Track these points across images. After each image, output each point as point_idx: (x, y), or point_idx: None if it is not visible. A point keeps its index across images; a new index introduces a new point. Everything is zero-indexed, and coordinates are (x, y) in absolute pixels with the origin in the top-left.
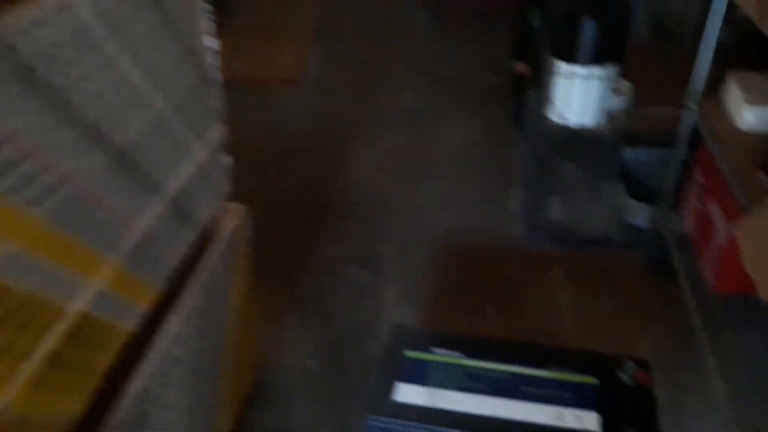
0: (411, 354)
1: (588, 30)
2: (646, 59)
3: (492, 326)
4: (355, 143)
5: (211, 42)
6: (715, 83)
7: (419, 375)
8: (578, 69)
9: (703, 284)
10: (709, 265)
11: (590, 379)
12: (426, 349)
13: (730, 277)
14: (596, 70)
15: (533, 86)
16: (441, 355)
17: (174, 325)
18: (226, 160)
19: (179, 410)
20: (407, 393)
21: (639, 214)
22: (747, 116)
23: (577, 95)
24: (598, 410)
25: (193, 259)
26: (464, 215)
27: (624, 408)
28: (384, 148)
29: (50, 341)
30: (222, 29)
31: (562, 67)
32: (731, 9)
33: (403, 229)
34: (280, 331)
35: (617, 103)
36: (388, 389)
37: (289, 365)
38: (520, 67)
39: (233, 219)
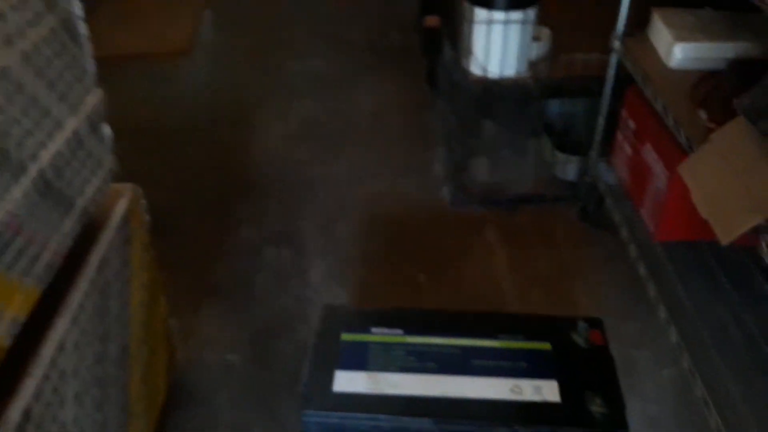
0: (347, 337)
1: None
2: (563, 3)
3: (428, 297)
4: (263, 114)
5: None
6: (639, 24)
7: (358, 359)
8: (496, 14)
9: (644, 234)
10: (648, 213)
11: (544, 345)
12: (363, 330)
13: (671, 225)
14: (515, 15)
15: (447, 40)
16: (380, 335)
17: (60, 331)
18: (107, 131)
19: (79, 429)
20: (346, 381)
21: (569, 168)
22: (677, 54)
23: (497, 44)
24: (557, 378)
25: (79, 252)
26: (387, 183)
27: (582, 372)
28: (295, 119)
29: None
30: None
31: (479, 13)
32: None
33: (323, 203)
34: (197, 325)
35: (538, 51)
36: (324, 379)
37: (210, 362)
38: (431, 20)
39: (123, 202)
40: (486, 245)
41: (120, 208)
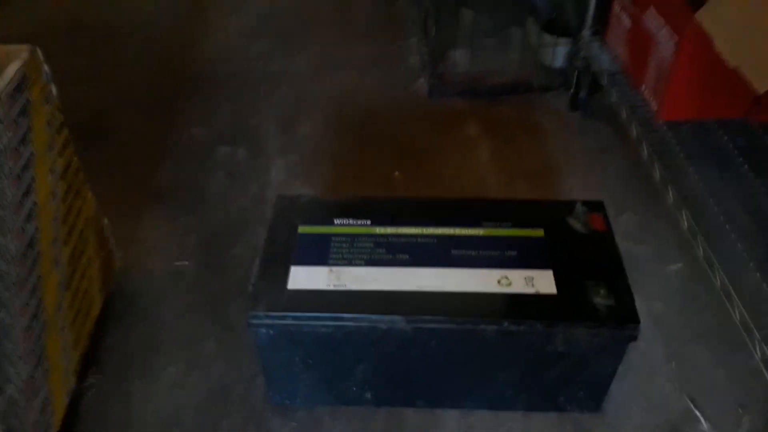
0: (306, 229)
1: None
2: None
3: (403, 194)
4: (216, 8)
5: None
6: None
7: (318, 253)
8: None
9: (646, 116)
10: (651, 91)
11: (536, 232)
12: (324, 222)
13: (678, 100)
14: None
15: None
16: (344, 227)
17: None
18: None
19: None
20: (304, 277)
21: (557, 53)
22: None
23: None
24: (552, 267)
25: None
26: (355, 77)
27: (581, 260)
28: (252, 12)
29: None
30: None
31: None
32: None
33: (284, 99)
34: (141, 231)
35: None
36: (277, 276)
37: (156, 270)
38: None
39: (17, 65)
40: (467, 139)
41: (11, 70)
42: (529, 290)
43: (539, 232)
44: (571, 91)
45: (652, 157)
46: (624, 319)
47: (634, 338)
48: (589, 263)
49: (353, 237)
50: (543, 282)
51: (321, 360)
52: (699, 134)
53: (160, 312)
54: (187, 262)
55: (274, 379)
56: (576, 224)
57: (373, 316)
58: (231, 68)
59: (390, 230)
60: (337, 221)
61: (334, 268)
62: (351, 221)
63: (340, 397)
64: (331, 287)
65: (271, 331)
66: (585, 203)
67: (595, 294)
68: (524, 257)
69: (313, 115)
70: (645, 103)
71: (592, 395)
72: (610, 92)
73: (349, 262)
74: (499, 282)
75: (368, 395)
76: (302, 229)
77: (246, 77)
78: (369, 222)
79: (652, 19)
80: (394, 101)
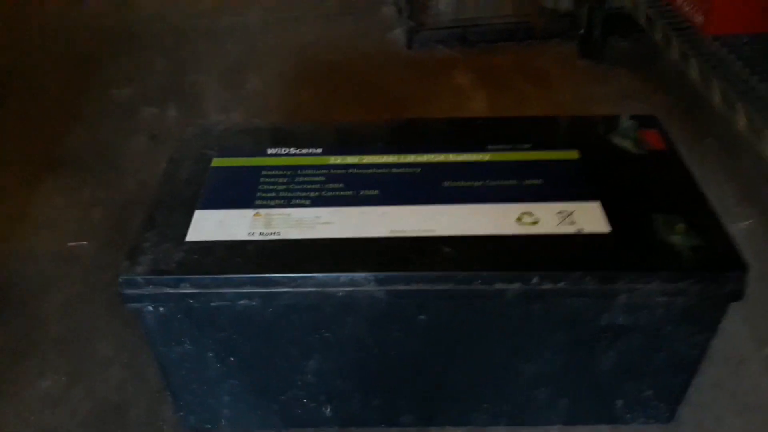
0: (222, 162)
1: None
2: None
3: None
4: None
5: None
6: None
7: (238, 192)
8: None
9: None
10: (692, 3)
11: (566, 154)
12: (252, 152)
13: (728, 9)
14: None
15: None
16: (282, 157)
17: None
18: None
19: None
20: (213, 225)
21: None
22: None
23: None
24: (597, 197)
25: None
26: (318, 29)
27: (640, 187)
28: None
29: None
30: None
31: None
32: None
33: (230, 53)
34: (35, 206)
35: None
36: (172, 225)
37: (44, 253)
38: None
39: None
40: (458, 88)
41: None
42: (566, 229)
43: (572, 154)
44: (582, 32)
45: (708, 77)
46: (722, 263)
47: (739, 296)
48: (652, 191)
49: (294, 169)
50: (587, 217)
51: (247, 355)
52: (760, 46)
53: (41, 306)
54: (85, 243)
55: (182, 390)
56: (624, 143)
57: (324, 276)
58: (169, 26)
59: (351, 159)
60: (271, 151)
61: (263, 211)
62: (292, 150)
63: (285, 415)
64: (257, 237)
65: (162, 308)
66: (632, 118)
67: (670, 231)
68: (554, 187)
69: (264, 69)
70: (684, 19)
71: (665, 396)
72: (638, 8)
73: (287, 203)
74: (519, 220)
75: (326, 410)
76: (218, 161)
77: (186, 34)
78: (319, 150)
79: None
80: (365, 53)
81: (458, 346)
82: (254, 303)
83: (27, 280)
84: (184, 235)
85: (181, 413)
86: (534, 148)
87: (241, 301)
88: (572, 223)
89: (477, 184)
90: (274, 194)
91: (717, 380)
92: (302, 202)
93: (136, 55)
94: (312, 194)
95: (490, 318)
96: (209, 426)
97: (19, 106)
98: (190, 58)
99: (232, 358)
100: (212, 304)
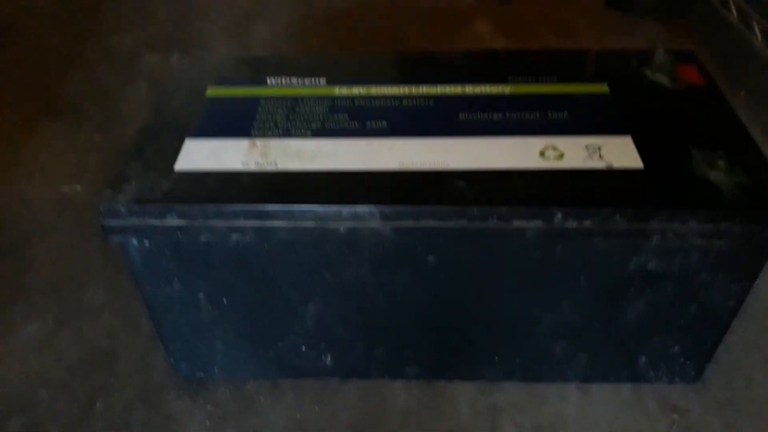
0: (218, 92)
1: None
2: None
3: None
4: None
5: None
6: None
7: (234, 121)
8: None
9: None
10: None
11: (595, 87)
12: (250, 82)
13: None
14: None
15: None
16: (282, 87)
17: None
18: None
19: None
20: (205, 154)
21: None
22: None
23: None
24: (628, 131)
25: None
26: None
27: (676, 122)
28: None
29: None
30: None
31: None
32: None
33: (241, 1)
34: (29, 151)
35: None
36: (162, 153)
37: (36, 197)
38: None
39: None
40: (477, 38)
41: None
42: (594, 164)
43: (602, 88)
44: None
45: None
46: (766, 202)
47: None
48: (689, 127)
49: (296, 99)
50: (617, 152)
51: (241, 298)
52: None
53: (32, 251)
54: (78, 187)
55: (173, 336)
56: (659, 77)
57: (324, 209)
58: None
59: (357, 90)
60: (271, 81)
61: (260, 141)
62: (294, 80)
63: (281, 364)
64: (252, 167)
65: (147, 242)
66: (668, 52)
67: (710, 167)
68: (581, 120)
69: (272, 18)
70: None
71: (693, 353)
72: None
73: (287, 133)
74: (542, 154)
75: (327, 360)
76: (213, 91)
77: None
78: (323, 81)
79: None
80: (380, 1)
81: (470, 291)
82: (248, 238)
83: (18, 224)
84: (173, 163)
85: (172, 360)
86: (560, 81)
87: (234, 236)
88: (601, 157)
89: (496, 116)
90: (272, 123)
91: (748, 339)
92: (303, 132)
93: (140, 3)
94: (314, 125)
95: (506, 260)
96: (201, 374)
97: (19, 51)
98: (195, 5)
99: (225, 300)
100: (202, 238)
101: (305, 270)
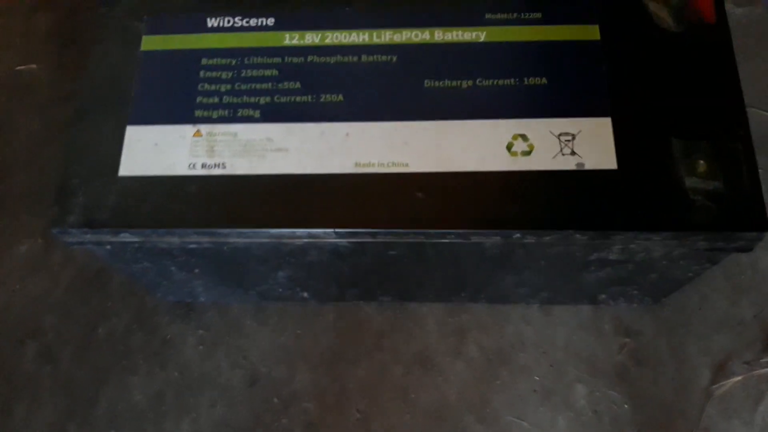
0: (153, 43)
1: None
2: None
3: None
4: None
5: None
6: None
7: (174, 92)
8: None
9: None
10: None
11: (585, 31)
12: (189, 26)
13: None
14: None
15: None
16: (225, 32)
17: None
18: None
19: None
20: (147, 150)
21: None
22: None
23: None
24: (611, 110)
25: None
26: None
27: (668, 90)
28: None
29: None
30: None
31: None
32: None
33: None
34: None
35: None
36: (103, 146)
37: None
38: None
39: None
40: None
41: None
42: (564, 163)
43: (592, 32)
44: None
45: None
46: (740, 221)
47: (749, 248)
48: (678, 100)
49: (241, 56)
50: (593, 143)
51: (212, 271)
52: None
53: None
54: (34, 66)
55: (153, 287)
56: (662, 13)
57: (279, 232)
58: None
59: (311, 38)
60: (211, 22)
61: (204, 128)
62: (238, 21)
63: (264, 294)
64: (198, 170)
65: (109, 247)
66: None
67: (687, 170)
68: (560, 90)
69: None
70: None
71: (650, 294)
72: None
73: (232, 114)
74: (509, 148)
75: (305, 294)
76: (148, 42)
77: None
78: (272, 22)
79: None
80: None
81: (434, 270)
82: (204, 247)
83: None
84: (117, 166)
85: (159, 295)
86: (545, 20)
87: (191, 245)
88: (573, 153)
89: (466, 84)
90: (216, 99)
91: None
92: (250, 113)
93: None
94: (262, 100)
95: (462, 259)
96: (190, 300)
97: None
98: None
99: (196, 270)
100: (160, 247)
101: (269, 258)
